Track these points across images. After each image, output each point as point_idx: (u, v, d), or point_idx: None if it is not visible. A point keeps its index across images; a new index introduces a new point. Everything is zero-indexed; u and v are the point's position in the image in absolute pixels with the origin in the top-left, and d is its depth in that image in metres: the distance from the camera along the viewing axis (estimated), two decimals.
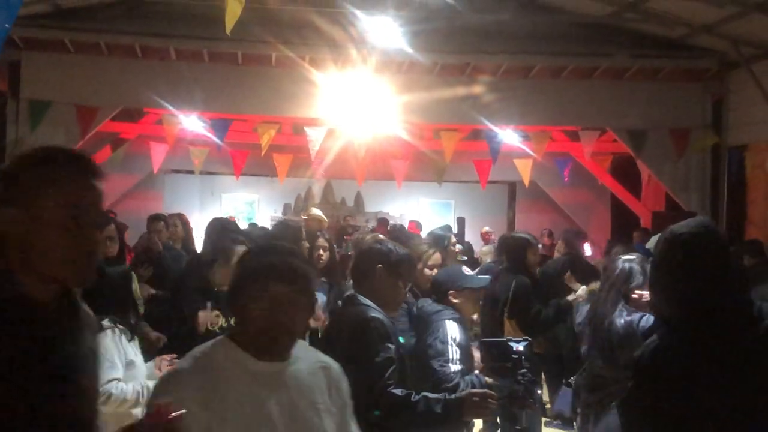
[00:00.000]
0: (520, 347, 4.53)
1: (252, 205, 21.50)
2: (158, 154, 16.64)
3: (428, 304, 5.23)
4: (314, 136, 14.81)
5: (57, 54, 13.87)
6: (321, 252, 7.34)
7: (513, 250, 8.53)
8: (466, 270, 5.49)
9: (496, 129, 14.86)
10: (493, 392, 3.75)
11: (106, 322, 4.93)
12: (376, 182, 19.74)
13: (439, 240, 7.55)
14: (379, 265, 4.03)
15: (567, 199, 19.54)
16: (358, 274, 4.18)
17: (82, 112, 13.80)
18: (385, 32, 12.33)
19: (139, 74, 13.95)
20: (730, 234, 13.34)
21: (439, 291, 5.32)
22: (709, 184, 14.98)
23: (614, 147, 16.38)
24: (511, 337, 4.80)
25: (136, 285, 5.36)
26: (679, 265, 3.13)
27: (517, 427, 4.62)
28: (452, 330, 4.99)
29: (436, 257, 6.06)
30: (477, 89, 14.22)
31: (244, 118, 15.86)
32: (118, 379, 4.83)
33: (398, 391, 3.62)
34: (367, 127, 15.14)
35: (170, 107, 14.09)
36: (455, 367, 4.74)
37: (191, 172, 18.29)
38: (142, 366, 5.16)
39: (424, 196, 21.98)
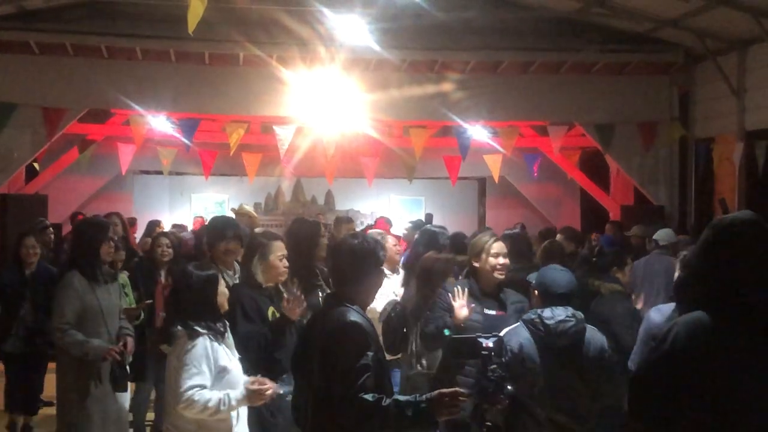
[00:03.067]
0: (490, 343, 4.52)
1: (222, 205, 21.35)
2: (126, 155, 16.51)
3: (570, 311, 5.16)
4: (283, 135, 14.77)
5: (22, 55, 13.76)
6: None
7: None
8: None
9: (465, 125, 14.88)
10: (462, 390, 3.74)
11: (199, 328, 4.85)
12: (346, 180, 19.71)
13: (433, 237, 7.53)
14: (363, 267, 3.97)
15: (537, 194, 19.61)
16: (339, 273, 4.09)
17: (49, 114, 13.71)
18: (353, 30, 12.32)
19: (106, 75, 13.85)
20: (697, 226, 13.43)
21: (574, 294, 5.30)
22: (677, 176, 15.10)
23: (582, 141, 16.46)
24: (480, 333, 4.78)
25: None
26: (723, 253, 3.18)
27: (488, 423, 4.63)
28: None
29: (499, 245, 6.04)
30: (445, 86, 14.26)
31: (212, 118, 15.80)
32: (203, 386, 4.73)
33: (369, 397, 3.59)
34: (336, 124, 15.13)
35: (137, 108, 14.02)
36: None
37: (160, 172, 18.18)
38: (237, 372, 5.00)
39: (395, 193, 21.95)
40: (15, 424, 8.51)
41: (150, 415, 8.44)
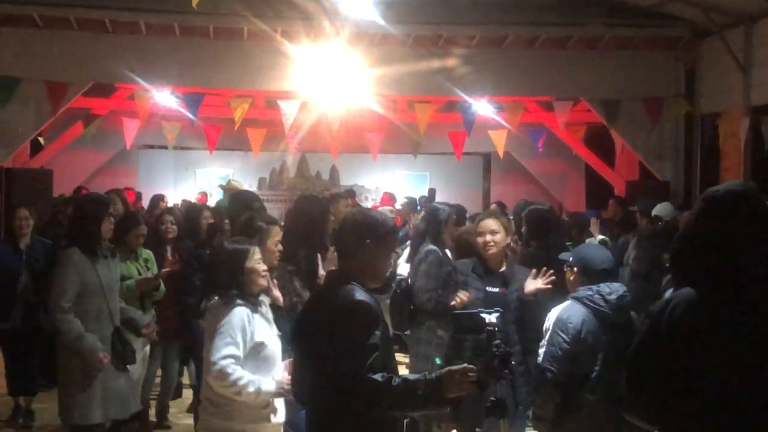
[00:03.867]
0: (493, 319, 4.53)
1: (226, 180, 21.36)
2: (131, 129, 16.50)
3: (617, 286, 5.15)
4: (288, 110, 14.72)
5: (26, 29, 13.70)
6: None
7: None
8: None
9: (470, 100, 14.83)
10: (472, 367, 3.71)
11: (236, 298, 4.87)
12: (350, 155, 19.68)
13: (433, 212, 7.51)
14: (367, 240, 3.89)
15: (541, 170, 19.56)
16: (344, 248, 3.99)
17: (53, 88, 13.65)
18: (358, 4, 12.23)
19: (110, 49, 13.80)
20: None
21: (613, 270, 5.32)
22: (683, 152, 15.04)
23: (588, 117, 16.40)
24: (482, 309, 4.79)
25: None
26: (713, 227, 3.15)
27: (492, 398, 4.65)
28: None
29: (485, 224, 6.13)
30: (450, 61, 14.18)
31: (217, 93, 15.75)
32: (237, 357, 4.74)
33: (378, 377, 3.56)
34: (340, 99, 15.07)
35: (142, 82, 13.98)
36: None
37: (165, 147, 18.17)
38: (275, 349, 4.99)
39: (400, 168, 21.94)
40: (20, 408, 8.50)
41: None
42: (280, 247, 5.94)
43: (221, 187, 12.11)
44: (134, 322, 6.70)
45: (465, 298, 5.91)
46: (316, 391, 3.77)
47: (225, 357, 4.71)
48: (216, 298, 4.94)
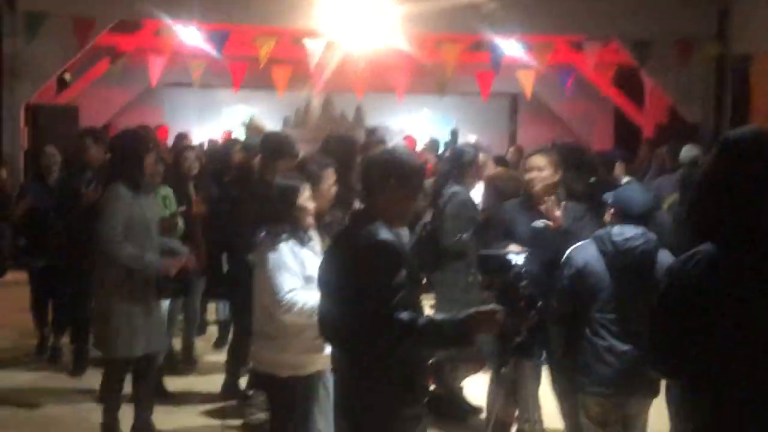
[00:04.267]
0: (520, 260, 4.50)
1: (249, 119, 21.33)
2: (156, 67, 16.47)
3: (641, 231, 5.05)
4: (313, 48, 14.62)
5: None
6: None
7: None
8: None
9: (498, 39, 14.64)
10: (499, 308, 3.69)
11: (283, 234, 4.92)
12: (376, 95, 19.53)
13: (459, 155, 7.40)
14: (392, 179, 3.83)
15: (569, 112, 19.39)
16: (369, 187, 3.93)
17: (79, 24, 13.59)
18: None
19: None
20: None
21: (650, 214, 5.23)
22: (713, 94, 14.85)
23: (618, 58, 16.19)
24: (509, 250, 4.75)
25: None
26: (731, 173, 3.01)
27: (518, 339, 4.64)
28: None
29: (530, 160, 5.97)
30: None
31: (242, 30, 15.64)
32: (297, 288, 4.81)
33: (404, 316, 3.54)
34: (366, 38, 14.92)
35: (167, 18, 13.88)
36: None
37: (190, 85, 18.10)
38: None
39: (426, 108, 21.78)
40: (45, 339, 8.57)
41: None
42: (334, 189, 5.82)
43: (244, 125, 12.03)
44: (174, 253, 6.70)
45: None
46: (342, 329, 3.76)
47: (289, 291, 4.79)
48: (266, 233, 4.97)
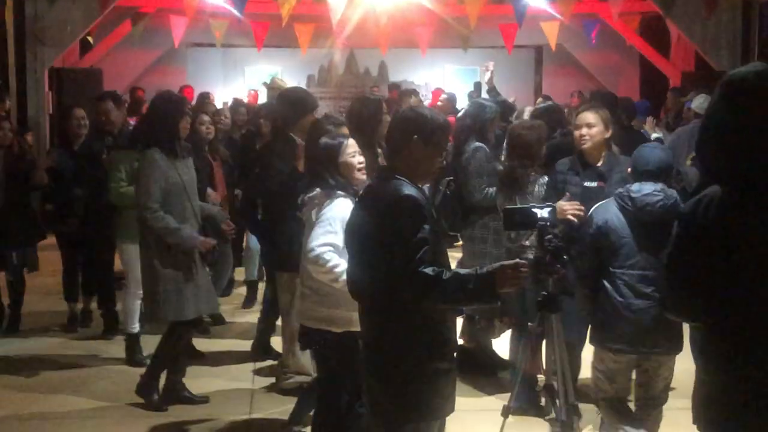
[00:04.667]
0: (545, 213, 4.49)
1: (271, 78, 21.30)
2: (178, 27, 16.45)
3: (660, 188, 5.00)
4: (335, 4, 14.53)
5: None
6: None
7: None
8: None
9: None
10: (524, 262, 3.69)
11: (337, 189, 4.89)
12: (399, 50, 19.44)
13: (481, 108, 7.30)
14: (415, 136, 3.81)
15: (595, 62, 19.23)
16: (393, 144, 3.94)
17: None
18: None
19: None
20: None
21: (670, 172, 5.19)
22: (740, 42, 14.64)
23: (643, 6, 16.01)
24: (534, 204, 4.75)
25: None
26: (735, 111, 2.94)
27: (544, 293, 4.64)
28: None
29: (582, 116, 5.88)
30: None
31: None
32: (336, 246, 4.73)
33: (429, 270, 3.55)
34: None
35: None
36: None
37: (213, 45, 18.11)
38: None
39: (450, 63, 21.65)
40: (75, 315, 8.62)
41: None
42: (359, 158, 5.76)
43: (265, 85, 11.92)
44: (214, 219, 6.69)
45: (569, 209, 5.70)
46: (368, 285, 3.78)
47: (323, 244, 4.75)
48: (318, 189, 4.95)
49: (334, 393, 4.94)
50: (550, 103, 8.15)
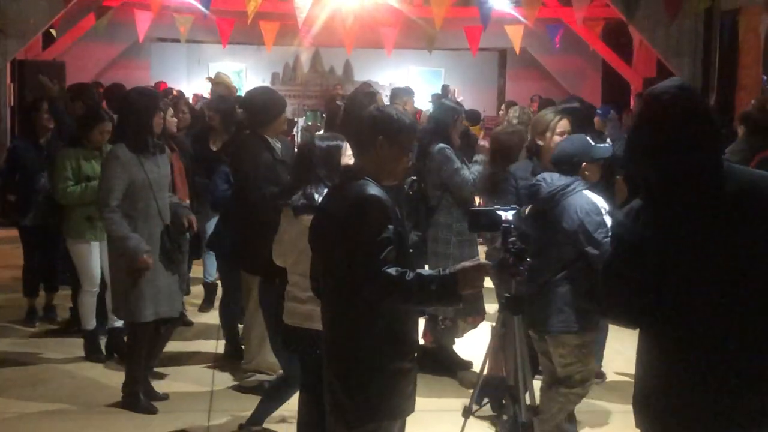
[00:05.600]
0: (509, 215, 4.53)
1: (240, 75, 21.21)
2: (143, 21, 16.35)
3: (556, 178, 5.17)
4: (301, 3, 14.51)
5: None
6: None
7: None
8: (591, 140, 5.36)
9: None
10: (487, 263, 3.72)
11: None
12: (365, 50, 19.48)
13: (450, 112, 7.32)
14: (380, 136, 3.81)
15: (558, 67, 19.37)
16: (358, 144, 3.94)
17: None
18: None
19: None
20: (720, 99, 13.29)
21: (570, 163, 5.24)
22: (701, 49, 14.81)
23: (606, 12, 16.15)
24: (499, 206, 4.78)
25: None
26: (655, 125, 3.09)
27: (507, 295, 4.68)
28: (597, 199, 5.01)
29: (564, 123, 5.87)
30: None
31: None
32: None
33: (392, 271, 3.57)
34: None
35: None
36: None
37: (177, 40, 18.01)
38: None
39: (414, 64, 21.71)
40: (34, 309, 8.53)
41: None
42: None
43: (209, 79, 11.78)
44: (176, 213, 6.43)
45: None
46: (331, 284, 3.80)
47: None
48: (303, 200, 4.84)
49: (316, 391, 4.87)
50: (576, 104, 8.14)
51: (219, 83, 10.65)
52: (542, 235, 5.08)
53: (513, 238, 4.47)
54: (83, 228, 6.98)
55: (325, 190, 4.69)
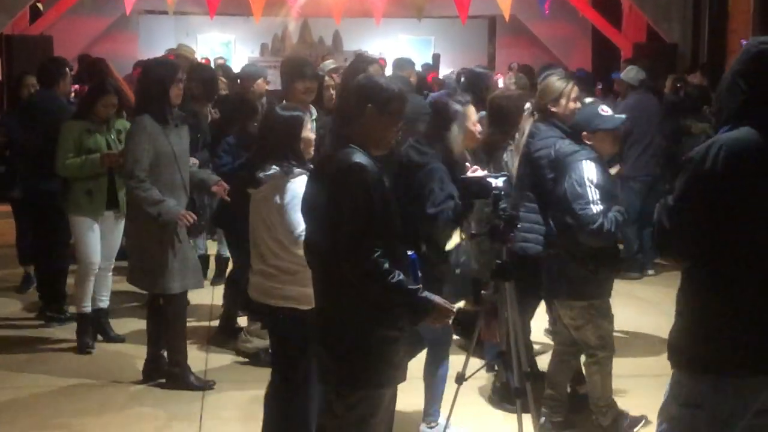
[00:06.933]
0: (499, 183, 4.55)
1: (228, 46, 21.10)
2: None
3: (566, 145, 5.18)
4: None
5: None
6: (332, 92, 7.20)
7: None
8: (604, 109, 5.32)
9: None
10: (453, 308, 3.85)
11: (297, 169, 4.67)
12: (353, 20, 19.39)
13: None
14: (369, 104, 3.78)
15: (548, 33, 19.32)
16: (346, 112, 3.89)
17: None
18: None
19: None
20: (710, 63, 13.29)
21: (574, 131, 5.27)
22: (691, 13, 14.79)
23: None
24: (489, 173, 4.79)
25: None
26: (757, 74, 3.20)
27: (498, 261, 4.71)
28: (589, 171, 4.98)
29: (577, 89, 5.80)
30: None
31: None
32: None
33: (383, 264, 3.52)
34: None
35: None
36: (597, 208, 4.85)
37: (165, 12, 17.90)
38: None
39: (404, 32, 21.62)
40: (29, 276, 8.54)
41: None
42: (479, 128, 5.49)
43: (171, 51, 11.54)
44: (204, 182, 6.46)
45: None
46: (321, 252, 3.79)
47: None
48: (274, 168, 4.73)
49: (293, 368, 4.86)
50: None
51: (181, 56, 10.50)
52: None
53: (504, 205, 4.50)
54: (83, 201, 6.92)
55: (291, 164, 4.71)
